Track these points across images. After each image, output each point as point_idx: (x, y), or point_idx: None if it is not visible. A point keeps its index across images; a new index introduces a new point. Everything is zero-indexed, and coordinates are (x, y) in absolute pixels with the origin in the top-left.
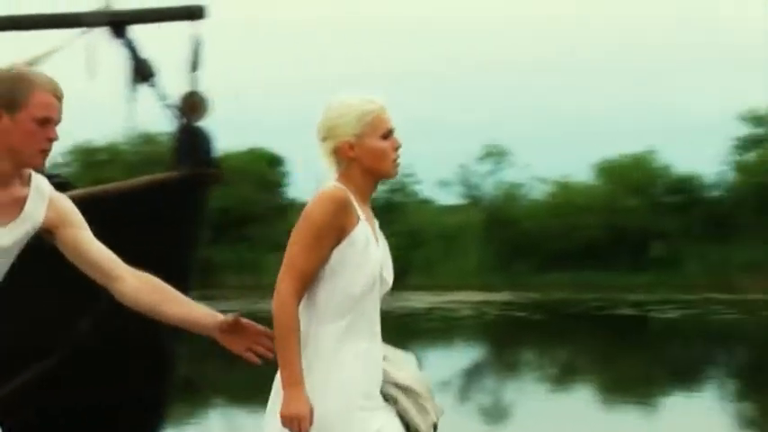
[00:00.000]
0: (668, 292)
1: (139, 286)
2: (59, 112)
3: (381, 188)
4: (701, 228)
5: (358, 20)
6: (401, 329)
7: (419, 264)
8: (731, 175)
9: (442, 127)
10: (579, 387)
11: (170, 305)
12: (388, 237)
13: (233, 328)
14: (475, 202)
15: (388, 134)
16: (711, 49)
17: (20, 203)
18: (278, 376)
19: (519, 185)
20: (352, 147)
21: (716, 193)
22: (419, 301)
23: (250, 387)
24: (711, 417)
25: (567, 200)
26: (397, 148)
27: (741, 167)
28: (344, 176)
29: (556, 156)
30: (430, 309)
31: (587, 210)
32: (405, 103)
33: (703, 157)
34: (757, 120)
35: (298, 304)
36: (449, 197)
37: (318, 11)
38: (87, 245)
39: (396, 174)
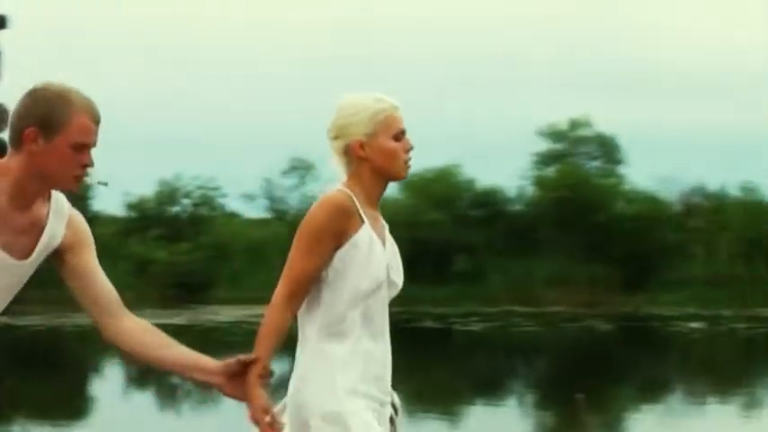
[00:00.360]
0: (471, 304)
1: (137, 327)
2: (96, 136)
3: (186, 201)
4: (503, 241)
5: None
6: (207, 343)
7: (226, 277)
8: (532, 190)
9: (247, 140)
10: None
11: (169, 349)
12: (193, 250)
13: (239, 370)
14: (280, 215)
15: (400, 135)
16: (513, 65)
17: (40, 224)
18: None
19: None
20: (363, 146)
21: (518, 208)
22: (226, 314)
23: (51, 401)
24: (513, 427)
25: None
26: (408, 150)
27: (541, 182)
28: (354, 177)
29: None
30: (236, 322)
31: (391, 223)
32: None
33: (505, 171)
34: (557, 135)
35: (291, 306)
36: (254, 211)
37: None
38: (96, 274)
39: (406, 176)
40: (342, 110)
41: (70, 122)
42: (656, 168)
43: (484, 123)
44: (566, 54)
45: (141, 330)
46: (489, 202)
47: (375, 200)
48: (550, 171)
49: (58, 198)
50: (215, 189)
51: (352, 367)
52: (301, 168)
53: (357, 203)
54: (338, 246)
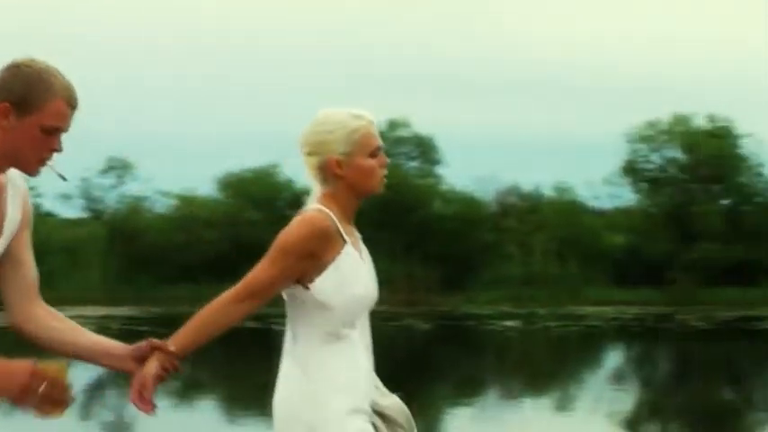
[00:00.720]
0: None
1: (49, 314)
2: (69, 122)
3: None
4: None
5: None
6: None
7: (42, 278)
8: None
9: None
10: (204, 401)
11: (82, 335)
12: None
13: (147, 354)
14: (97, 215)
15: (376, 152)
16: (330, 66)
17: None
18: (298, 386)
19: (142, 199)
20: (339, 164)
21: None
22: None
23: None
24: None
25: (190, 213)
26: (384, 166)
27: None
28: (330, 195)
29: (179, 169)
30: None
31: (210, 223)
32: None
33: None
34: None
35: (231, 309)
36: (71, 211)
37: None
38: (30, 253)
39: (381, 191)
40: (318, 125)
41: (45, 104)
42: (473, 169)
43: (304, 124)
44: (383, 55)
45: (53, 316)
46: (306, 202)
47: (351, 215)
48: None
49: (12, 173)
50: (30, 189)
51: (352, 384)
52: (119, 168)
53: (337, 222)
54: (313, 268)
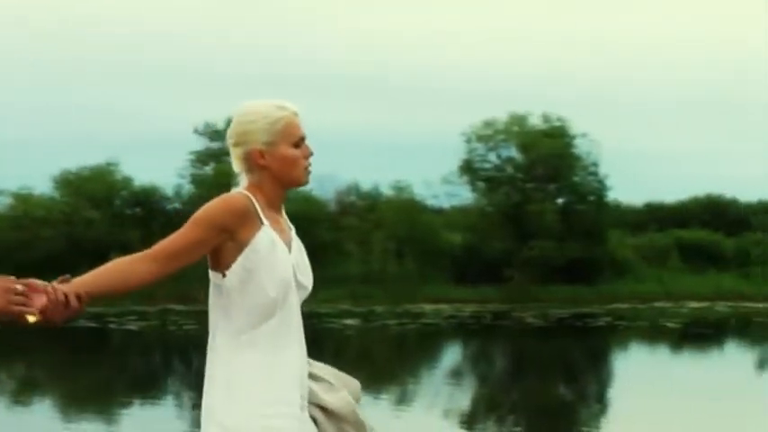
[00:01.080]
0: (128, 303)
1: None
2: None
3: None
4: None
5: None
6: None
7: None
8: (189, 189)
9: None
10: (40, 401)
11: None
12: None
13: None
14: None
15: (299, 142)
16: (167, 63)
17: None
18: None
19: None
20: (262, 154)
21: (176, 206)
22: None
23: None
24: (169, 426)
25: (25, 212)
26: (308, 156)
27: (198, 180)
28: (254, 184)
29: (15, 168)
30: None
31: (47, 222)
32: None
33: (164, 169)
34: (213, 134)
35: (145, 263)
36: None
37: None
38: None
39: (307, 182)
40: (241, 116)
41: None
42: (312, 168)
43: (143, 121)
44: (221, 52)
45: None
46: (147, 200)
47: (277, 205)
48: (208, 169)
49: None
50: None
51: (271, 378)
52: None
53: (257, 206)
54: (231, 250)
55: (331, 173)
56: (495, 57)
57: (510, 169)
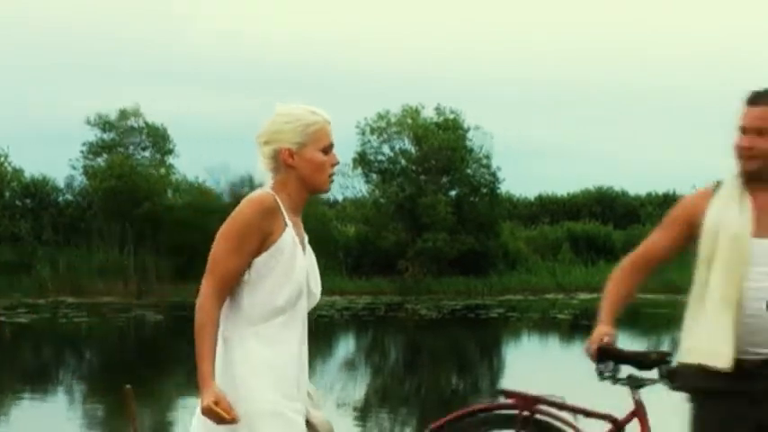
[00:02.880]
0: (18, 296)
1: None
2: None
3: None
4: (52, 231)
5: None
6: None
7: None
8: (81, 180)
9: None
10: None
11: None
12: None
13: None
14: None
15: (328, 148)
16: (59, 53)
17: None
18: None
19: None
20: (292, 154)
21: (67, 198)
22: None
23: None
24: (61, 419)
25: None
26: (334, 164)
27: (91, 172)
28: (280, 183)
29: None
30: None
31: None
32: None
33: (56, 160)
34: (106, 125)
35: (218, 303)
36: None
37: None
38: None
39: (328, 189)
40: (276, 117)
41: None
42: (206, 159)
43: (34, 113)
44: (117, 43)
45: None
46: (37, 192)
47: (298, 208)
48: (100, 161)
49: None
50: None
51: (275, 370)
52: None
53: (282, 207)
54: (263, 246)
55: (224, 164)
56: (389, 50)
57: (403, 161)
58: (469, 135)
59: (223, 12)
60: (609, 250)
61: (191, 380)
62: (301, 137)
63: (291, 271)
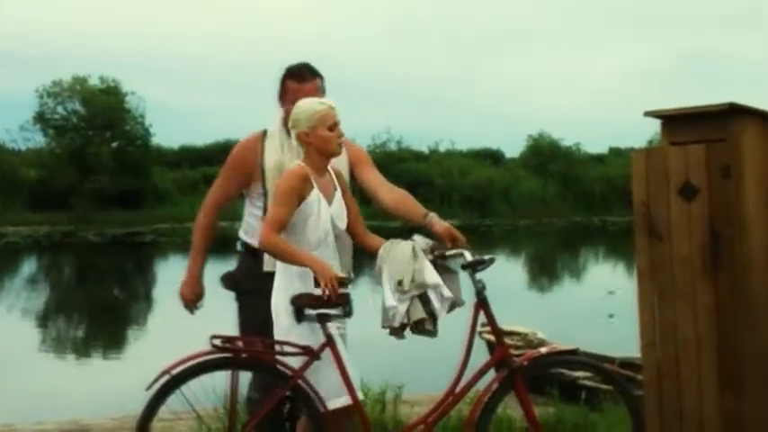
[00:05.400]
0: None
1: None
2: None
3: None
4: None
5: None
6: None
7: None
8: None
9: None
10: None
11: None
12: None
13: None
14: None
15: (333, 126)
16: None
17: None
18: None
19: None
20: (307, 135)
21: None
22: None
23: None
24: None
25: None
26: (340, 136)
27: None
28: (306, 156)
29: None
30: None
31: None
32: None
33: None
34: None
35: (276, 233)
36: None
37: None
38: None
39: (340, 152)
40: (295, 109)
41: None
42: None
43: None
44: None
45: None
46: None
47: (321, 170)
48: None
49: None
50: None
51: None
52: None
53: (310, 173)
54: (300, 202)
55: None
56: (61, 30)
57: (75, 119)
58: (127, 99)
59: None
60: None
61: None
62: (312, 122)
63: (318, 219)
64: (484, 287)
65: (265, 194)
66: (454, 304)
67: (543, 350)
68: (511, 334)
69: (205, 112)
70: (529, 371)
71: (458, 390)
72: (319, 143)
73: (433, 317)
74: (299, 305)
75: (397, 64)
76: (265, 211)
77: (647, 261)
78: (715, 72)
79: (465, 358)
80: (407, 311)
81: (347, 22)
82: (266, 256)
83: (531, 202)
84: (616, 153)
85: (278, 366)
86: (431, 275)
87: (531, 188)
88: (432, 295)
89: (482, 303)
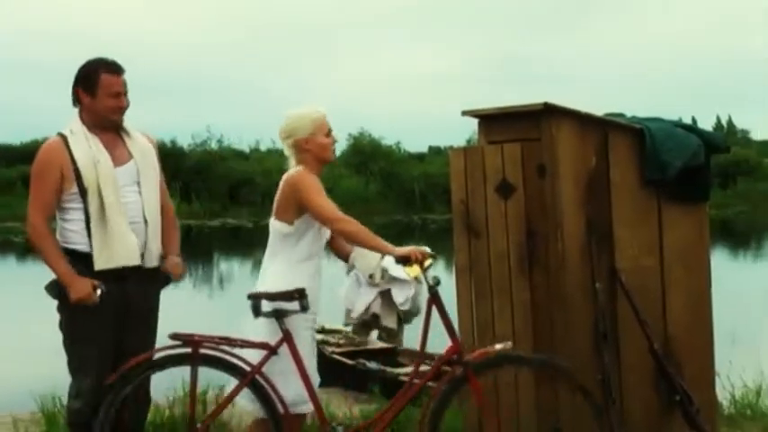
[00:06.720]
0: None
1: None
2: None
3: None
4: None
5: None
6: None
7: None
8: None
9: None
10: None
11: None
12: None
13: None
14: None
15: (329, 132)
16: None
17: None
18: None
19: None
20: (306, 142)
21: None
22: None
23: None
24: None
25: None
26: (334, 142)
27: None
28: (303, 162)
29: None
30: None
31: None
32: None
33: None
34: None
35: (342, 215)
36: None
37: None
38: None
39: (334, 159)
40: (290, 118)
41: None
42: None
43: None
44: None
45: None
46: None
47: (318, 176)
48: None
49: None
50: None
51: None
52: None
53: None
54: (303, 211)
55: None
56: None
57: None
58: None
59: None
60: None
61: None
62: (311, 129)
63: (318, 232)
64: (438, 283)
65: (83, 193)
66: (416, 311)
67: (497, 347)
68: (333, 332)
69: (21, 109)
70: (480, 367)
71: (412, 386)
72: (318, 150)
73: (398, 316)
74: (257, 301)
75: (215, 61)
76: (86, 212)
77: (465, 258)
78: (532, 73)
79: (421, 351)
80: (368, 307)
81: (162, 19)
82: (96, 254)
83: (353, 200)
84: (436, 152)
85: (236, 362)
86: (398, 271)
87: (353, 186)
88: (395, 291)
89: (434, 298)
